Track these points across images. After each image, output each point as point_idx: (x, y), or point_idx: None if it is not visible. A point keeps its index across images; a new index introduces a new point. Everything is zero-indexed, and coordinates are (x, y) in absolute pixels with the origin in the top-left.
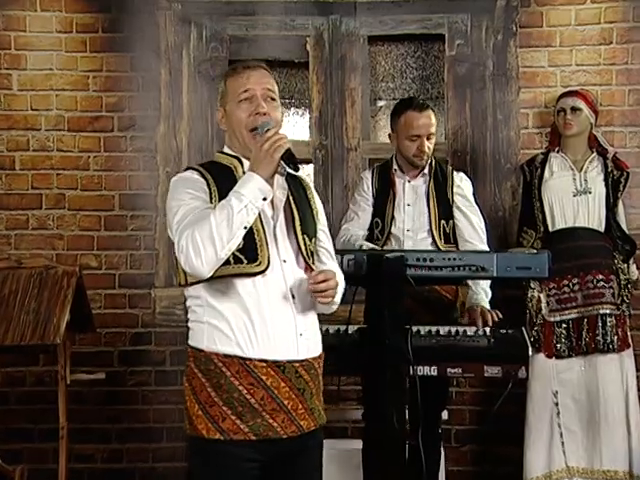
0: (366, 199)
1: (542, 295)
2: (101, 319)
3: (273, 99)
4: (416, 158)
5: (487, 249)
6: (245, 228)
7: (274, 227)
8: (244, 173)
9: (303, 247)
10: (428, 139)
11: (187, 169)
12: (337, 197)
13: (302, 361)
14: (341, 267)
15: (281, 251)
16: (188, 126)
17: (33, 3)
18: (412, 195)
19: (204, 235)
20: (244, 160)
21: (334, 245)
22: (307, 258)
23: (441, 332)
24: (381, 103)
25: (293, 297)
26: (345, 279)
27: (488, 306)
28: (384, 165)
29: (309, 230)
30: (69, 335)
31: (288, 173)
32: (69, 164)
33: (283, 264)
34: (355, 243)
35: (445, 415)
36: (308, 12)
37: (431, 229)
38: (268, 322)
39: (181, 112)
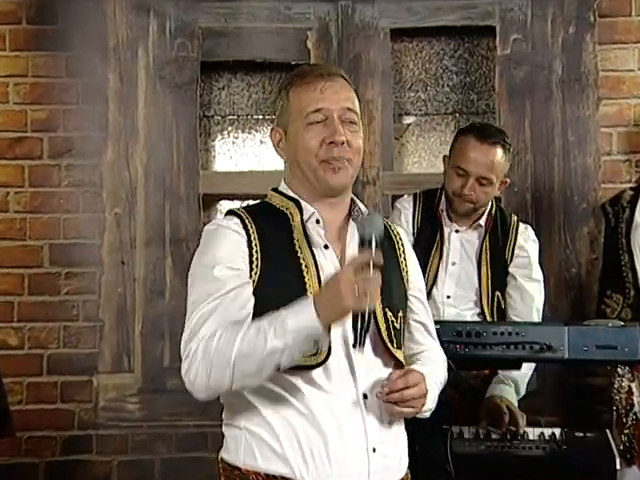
0: None
1: (634, 385)
2: (22, 418)
3: (354, 123)
4: (456, 199)
5: None
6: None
7: None
8: (302, 223)
9: (383, 326)
10: (481, 184)
11: (228, 213)
12: None
13: None
14: None
15: (349, 332)
16: (145, 151)
17: None
18: (459, 251)
19: (221, 357)
20: (304, 204)
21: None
22: (388, 342)
23: (493, 435)
24: (409, 120)
25: (365, 397)
26: None
27: (515, 403)
28: (431, 194)
29: (394, 300)
30: None
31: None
32: None
33: (351, 350)
34: None
35: None
36: None
37: (480, 301)
38: (329, 432)
39: (136, 132)
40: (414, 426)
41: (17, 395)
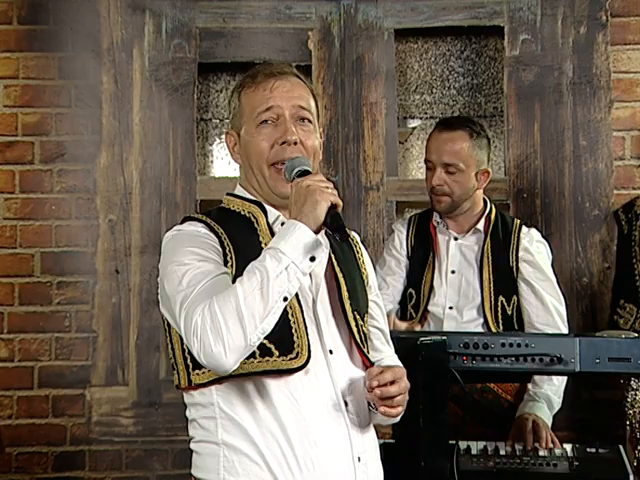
0: (397, 260)
1: None
2: (12, 433)
3: (307, 120)
4: (432, 197)
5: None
6: (285, 300)
7: (314, 302)
8: (269, 226)
9: (355, 329)
10: (448, 172)
11: (186, 219)
12: None
13: None
14: None
15: (325, 337)
16: (141, 156)
17: None
18: (458, 258)
19: (228, 309)
20: (268, 207)
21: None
22: (362, 345)
23: (501, 451)
24: (414, 123)
25: (346, 404)
26: None
27: (548, 420)
28: (424, 215)
29: (360, 304)
30: None
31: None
32: None
33: (329, 356)
34: None
35: None
36: None
37: (483, 308)
38: (313, 441)
39: (131, 136)
40: (419, 441)
41: (7, 409)
